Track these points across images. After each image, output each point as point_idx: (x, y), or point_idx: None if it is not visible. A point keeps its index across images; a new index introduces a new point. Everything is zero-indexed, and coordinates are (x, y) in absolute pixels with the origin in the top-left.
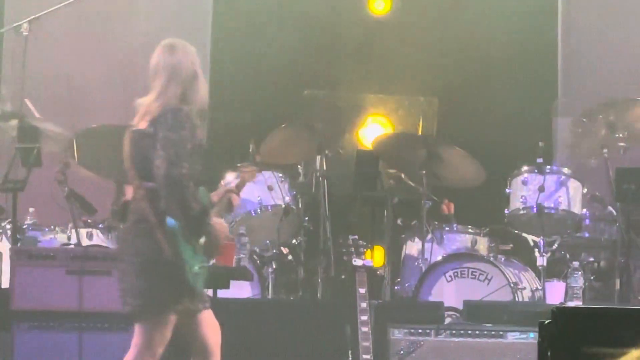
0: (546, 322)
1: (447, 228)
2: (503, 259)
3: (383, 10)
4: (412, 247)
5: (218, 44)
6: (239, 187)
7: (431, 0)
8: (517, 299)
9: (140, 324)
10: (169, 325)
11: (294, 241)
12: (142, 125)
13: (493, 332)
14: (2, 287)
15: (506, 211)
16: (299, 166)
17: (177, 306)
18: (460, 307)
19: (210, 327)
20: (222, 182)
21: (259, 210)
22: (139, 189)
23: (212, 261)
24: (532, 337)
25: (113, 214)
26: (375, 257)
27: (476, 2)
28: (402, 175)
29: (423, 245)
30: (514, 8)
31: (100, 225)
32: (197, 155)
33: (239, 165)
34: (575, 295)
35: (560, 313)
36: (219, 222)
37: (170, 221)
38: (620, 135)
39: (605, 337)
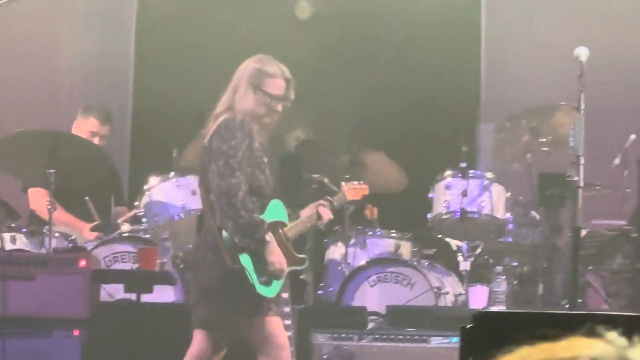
0: (467, 326)
1: (370, 233)
2: (426, 263)
3: (307, 13)
4: (335, 252)
5: (142, 49)
6: (338, 202)
7: (354, 3)
8: (440, 303)
9: (204, 332)
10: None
11: None
12: (206, 139)
13: (416, 337)
14: None
15: (429, 216)
16: None
17: (245, 316)
18: (384, 311)
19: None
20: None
21: (182, 215)
22: (205, 202)
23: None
24: (455, 341)
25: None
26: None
27: (399, 8)
28: (326, 180)
29: (346, 250)
30: (436, 14)
31: (23, 230)
32: (256, 165)
33: (343, 182)
34: (498, 300)
35: (482, 317)
36: (276, 248)
37: (224, 232)
38: (544, 140)
39: (527, 342)
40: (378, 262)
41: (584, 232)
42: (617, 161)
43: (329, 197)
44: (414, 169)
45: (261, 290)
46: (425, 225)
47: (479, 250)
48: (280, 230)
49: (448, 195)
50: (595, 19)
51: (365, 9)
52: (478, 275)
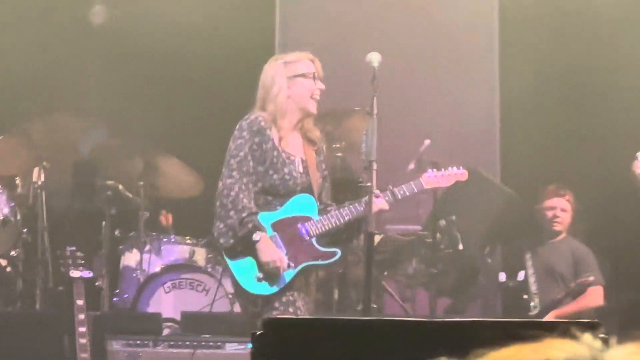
0: (258, 333)
1: (165, 239)
2: (221, 270)
3: (102, 18)
4: (131, 258)
5: None
6: (406, 191)
7: (150, 8)
8: (235, 310)
9: None
10: None
11: (12, 253)
12: None
13: (211, 343)
14: None
15: None
16: (16, 178)
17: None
18: (179, 318)
19: None
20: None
21: None
22: None
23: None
24: (250, 347)
25: None
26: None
27: (195, 15)
28: (120, 186)
29: (141, 256)
30: (229, 22)
31: None
32: (271, 165)
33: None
34: None
35: (272, 324)
36: (266, 247)
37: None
38: (337, 145)
39: (318, 348)
40: (173, 269)
41: (378, 238)
42: (411, 166)
43: (390, 186)
44: (208, 174)
45: (253, 288)
46: None
47: None
48: (299, 225)
49: None
50: (387, 24)
51: (161, 15)
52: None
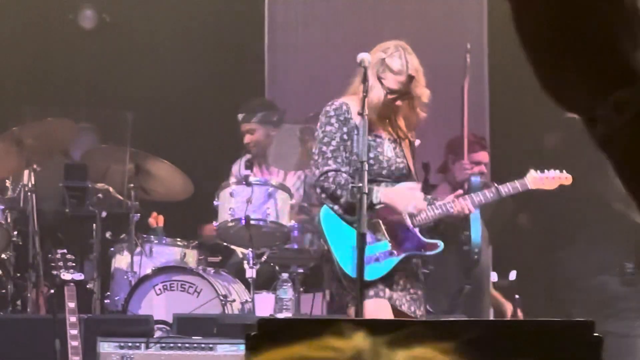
0: (252, 334)
1: (156, 241)
2: (212, 271)
3: (91, 24)
4: (122, 261)
5: None
6: (510, 191)
7: (140, 9)
8: (226, 311)
9: None
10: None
11: (3, 256)
12: None
13: (203, 345)
14: None
15: (215, 223)
16: (7, 181)
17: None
18: (171, 320)
19: None
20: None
21: None
22: None
23: None
24: (242, 349)
25: None
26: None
27: (183, 16)
28: (111, 189)
29: (132, 259)
30: (221, 26)
31: None
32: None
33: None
34: (285, 307)
35: (266, 324)
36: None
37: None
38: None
39: None
40: (164, 271)
41: None
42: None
43: (495, 184)
44: (198, 177)
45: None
46: (211, 233)
47: (264, 257)
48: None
49: (233, 202)
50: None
51: (151, 15)
52: (264, 282)
